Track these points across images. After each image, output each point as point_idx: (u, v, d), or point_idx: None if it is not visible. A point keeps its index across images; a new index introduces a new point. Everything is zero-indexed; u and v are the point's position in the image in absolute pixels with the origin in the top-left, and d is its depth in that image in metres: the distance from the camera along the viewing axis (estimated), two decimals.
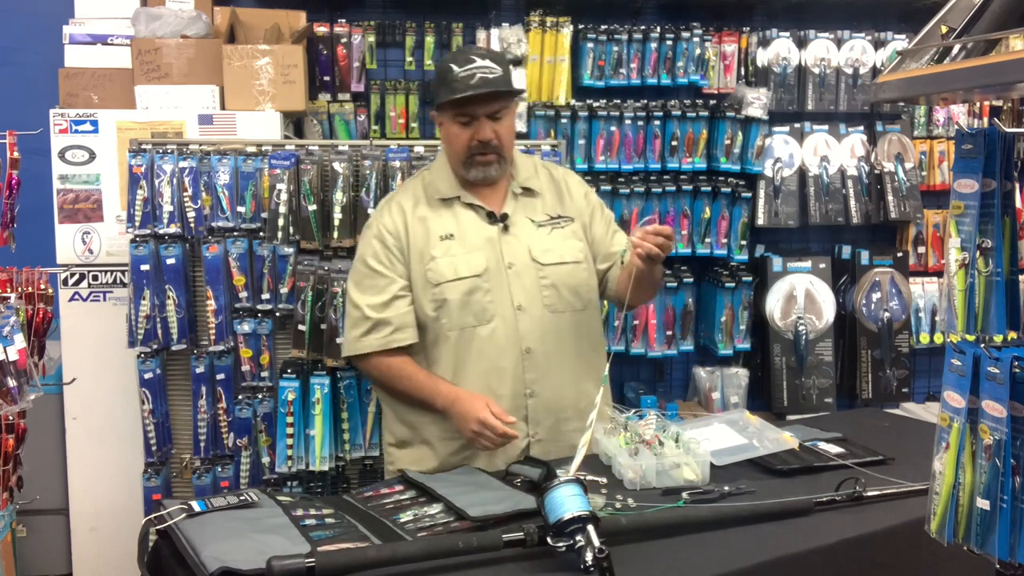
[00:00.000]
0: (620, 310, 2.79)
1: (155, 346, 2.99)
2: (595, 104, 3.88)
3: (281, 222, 2.92)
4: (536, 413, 2.27)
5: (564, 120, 3.85)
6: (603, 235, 2.42)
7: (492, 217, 2.31)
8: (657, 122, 3.90)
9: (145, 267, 2.94)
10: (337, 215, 2.94)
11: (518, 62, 3.84)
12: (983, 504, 1.31)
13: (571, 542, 1.59)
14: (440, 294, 2.25)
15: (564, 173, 2.49)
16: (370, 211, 2.92)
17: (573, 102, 3.89)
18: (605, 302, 2.83)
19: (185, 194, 2.97)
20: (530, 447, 2.28)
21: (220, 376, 3.04)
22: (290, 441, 2.96)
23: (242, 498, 1.85)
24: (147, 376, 2.99)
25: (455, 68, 2.20)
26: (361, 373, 2.70)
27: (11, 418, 2.37)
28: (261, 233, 2.99)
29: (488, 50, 2.39)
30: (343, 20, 3.83)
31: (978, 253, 1.31)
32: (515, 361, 2.25)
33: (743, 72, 4.09)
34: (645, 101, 3.93)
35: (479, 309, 2.24)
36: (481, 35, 3.86)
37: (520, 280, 2.27)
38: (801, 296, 4.02)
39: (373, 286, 2.29)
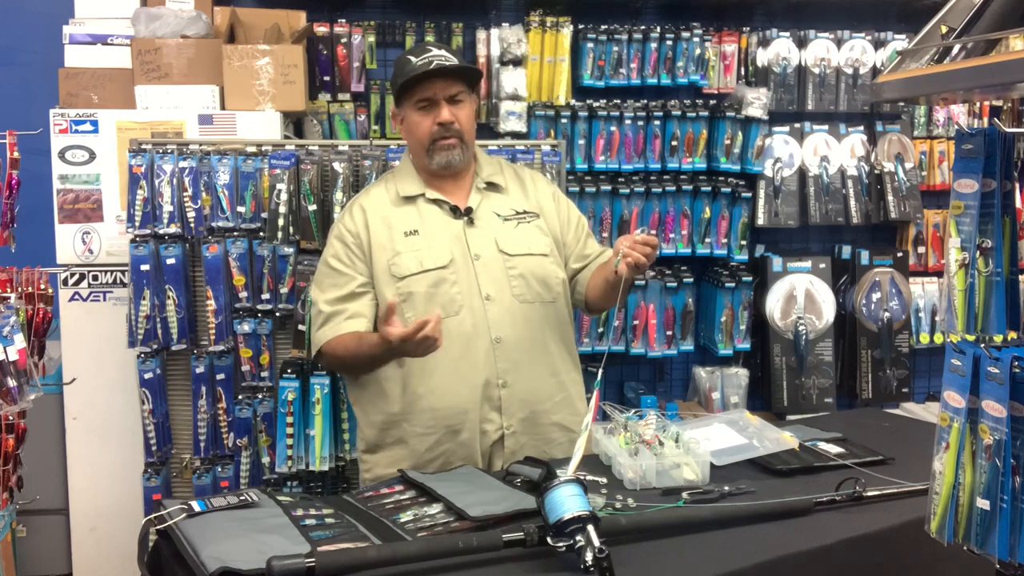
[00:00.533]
0: (585, 313, 2.78)
1: (155, 346, 2.99)
2: (595, 104, 3.88)
3: (281, 222, 2.92)
4: (510, 404, 2.26)
5: (564, 120, 3.85)
6: (576, 239, 2.45)
7: (456, 211, 2.33)
8: (657, 122, 3.90)
9: (145, 267, 2.94)
10: (337, 215, 2.94)
11: (518, 62, 3.84)
12: (983, 504, 1.31)
13: (571, 542, 1.59)
14: (405, 287, 2.25)
15: (531, 173, 2.52)
16: None
17: (573, 102, 3.89)
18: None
19: (185, 194, 2.97)
20: (504, 439, 2.28)
21: (220, 376, 3.04)
22: (290, 441, 2.96)
23: (242, 498, 1.85)
24: (147, 376, 2.99)
25: (412, 59, 2.26)
26: (325, 367, 2.75)
27: (11, 418, 2.37)
28: (261, 233, 2.99)
29: (445, 45, 2.47)
30: (343, 20, 3.83)
31: (978, 253, 1.31)
32: (486, 351, 2.24)
33: (743, 72, 4.09)
34: (645, 101, 3.93)
35: (446, 300, 2.24)
36: (481, 35, 3.86)
37: (488, 271, 2.28)
38: (801, 296, 4.02)
39: (333, 284, 2.31)
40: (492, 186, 2.39)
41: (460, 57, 2.31)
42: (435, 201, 2.34)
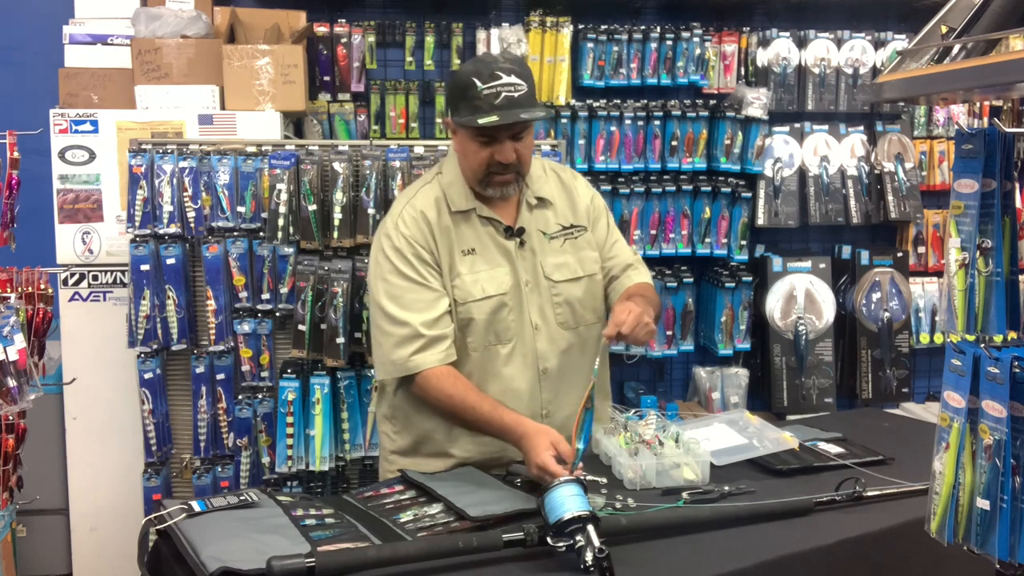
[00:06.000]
0: None
1: (155, 346, 2.99)
2: (595, 104, 3.88)
3: (281, 222, 2.92)
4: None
5: (564, 120, 3.85)
6: (609, 251, 2.34)
7: (509, 231, 2.21)
8: (657, 122, 3.91)
9: (145, 267, 2.94)
10: (337, 215, 2.94)
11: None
12: (983, 504, 1.31)
13: (571, 542, 1.59)
14: (466, 313, 2.15)
15: (571, 176, 2.38)
16: (370, 211, 2.93)
17: (573, 102, 3.89)
18: None
19: (185, 194, 2.97)
20: None
21: (220, 376, 3.04)
22: (290, 441, 2.96)
23: (242, 498, 1.85)
24: (147, 376, 2.99)
25: (478, 83, 2.03)
26: (413, 391, 2.23)
27: (11, 418, 2.37)
28: (261, 233, 2.99)
29: (513, 60, 2.12)
30: (343, 20, 3.83)
31: (978, 253, 1.31)
32: (532, 381, 2.19)
33: (743, 72, 4.09)
34: (645, 101, 3.93)
35: (502, 328, 2.17)
36: (481, 35, 3.86)
37: (535, 297, 2.21)
38: (801, 296, 4.02)
39: (420, 300, 2.13)
40: (541, 201, 2.26)
41: (527, 76, 2.08)
42: (488, 218, 2.20)
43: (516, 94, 2.03)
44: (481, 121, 2.02)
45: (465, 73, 2.08)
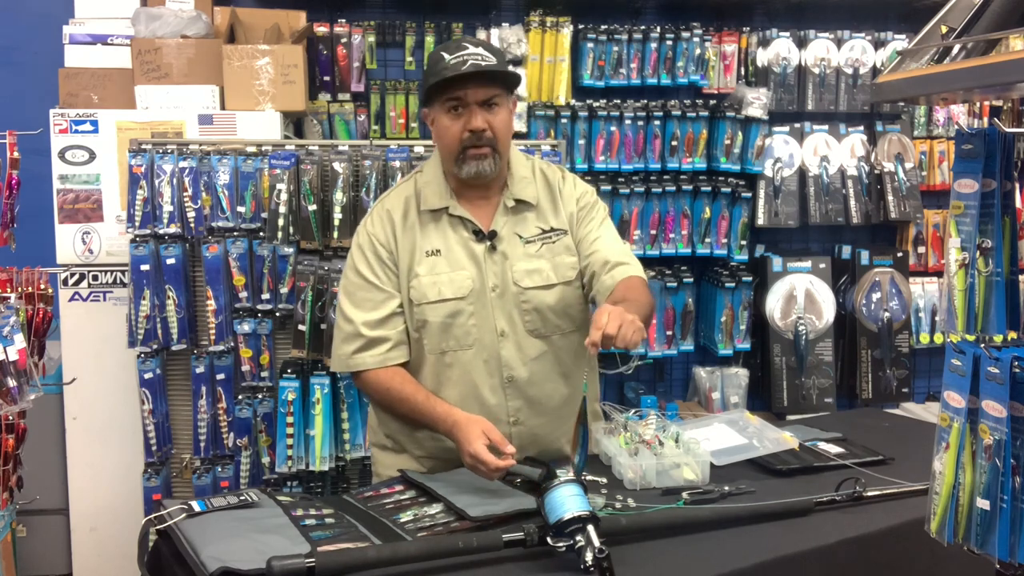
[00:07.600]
0: None
1: (155, 346, 2.99)
2: (595, 104, 3.88)
3: (281, 222, 2.92)
4: (520, 442, 2.13)
5: (564, 120, 3.85)
6: (586, 242, 2.21)
7: (480, 234, 2.15)
8: (657, 122, 3.91)
9: (145, 267, 2.94)
10: (337, 215, 2.94)
11: (518, 62, 3.84)
12: (983, 504, 1.31)
13: (571, 542, 1.59)
14: (421, 315, 2.13)
15: (560, 177, 2.27)
16: None
17: (573, 102, 3.89)
18: None
19: (185, 194, 2.97)
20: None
21: (220, 376, 3.05)
22: (290, 441, 2.97)
23: (242, 498, 1.85)
24: (147, 376, 3.00)
25: (446, 56, 2.05)
26: (357, 386, 2.36)
27: (11, 418, 2.37)
28: (261, 233, 2.99)
29: (484, 42, 2.16)
30: (343, 20, 3.83)
31: (978, 253, 1.31)
32: (497, 389, 2.14)
33: (743, 72, 4.09)
34: (645, 101, 3.93)
35: (461, 333, 2.12)
36: (481, 35, 3.87)
37: (502, 303, 2.14)
38: (801, 296, 4.02)
39: (368, 299, 2.15)
40: (521, 203, 2.19)
41: (500, 56, 2.10)
42: (460, 219, 2.16)
43: (483, 63, 2.04)
44: (447, 74, 2.02)
45: (434, 52, 2.12)
